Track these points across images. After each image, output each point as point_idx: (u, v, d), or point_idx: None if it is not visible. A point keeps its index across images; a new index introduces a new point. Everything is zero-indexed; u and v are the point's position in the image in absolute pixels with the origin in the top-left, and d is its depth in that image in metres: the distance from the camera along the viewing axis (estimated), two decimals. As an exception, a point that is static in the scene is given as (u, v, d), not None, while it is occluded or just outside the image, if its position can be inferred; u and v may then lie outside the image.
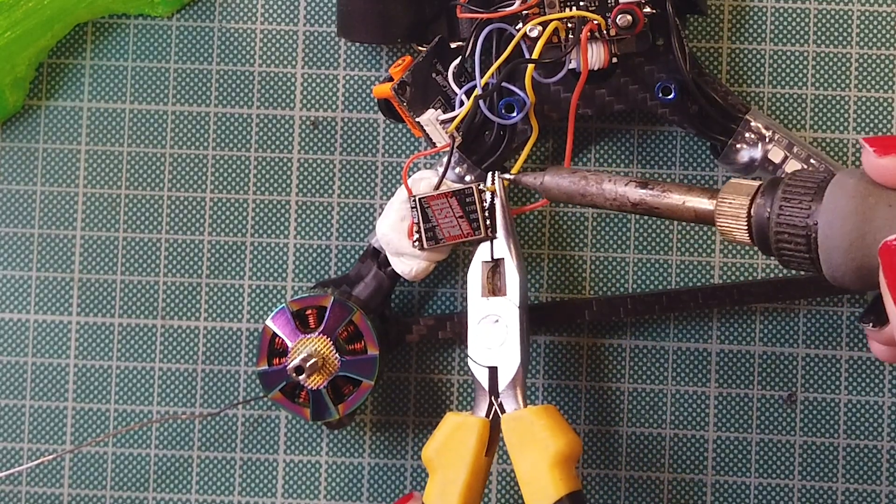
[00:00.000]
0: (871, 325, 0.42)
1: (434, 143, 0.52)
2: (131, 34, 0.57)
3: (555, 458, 0.47)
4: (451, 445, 0.49)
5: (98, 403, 0.57)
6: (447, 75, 0.52)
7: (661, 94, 0.52)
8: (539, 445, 0.47)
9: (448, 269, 0.57)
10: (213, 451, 0.57)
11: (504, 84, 0.52)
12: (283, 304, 0.52)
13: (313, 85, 0.57)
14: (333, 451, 0.57)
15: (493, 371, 0.50)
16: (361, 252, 0.56)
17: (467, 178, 0.53)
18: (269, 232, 0.57)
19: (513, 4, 0.51)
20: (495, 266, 0.50)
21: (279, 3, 0.57)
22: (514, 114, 0.52)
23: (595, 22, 0.50)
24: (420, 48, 0.53)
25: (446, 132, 0.52)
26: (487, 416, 0.49)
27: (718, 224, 0.43)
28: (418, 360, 0.57)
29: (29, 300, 0.57)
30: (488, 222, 0.50)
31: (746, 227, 0.42)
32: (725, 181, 0.47)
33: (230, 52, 0.57)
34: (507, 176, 0.50)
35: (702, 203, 0.44)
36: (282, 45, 0.57)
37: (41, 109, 0.57)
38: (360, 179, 0.57)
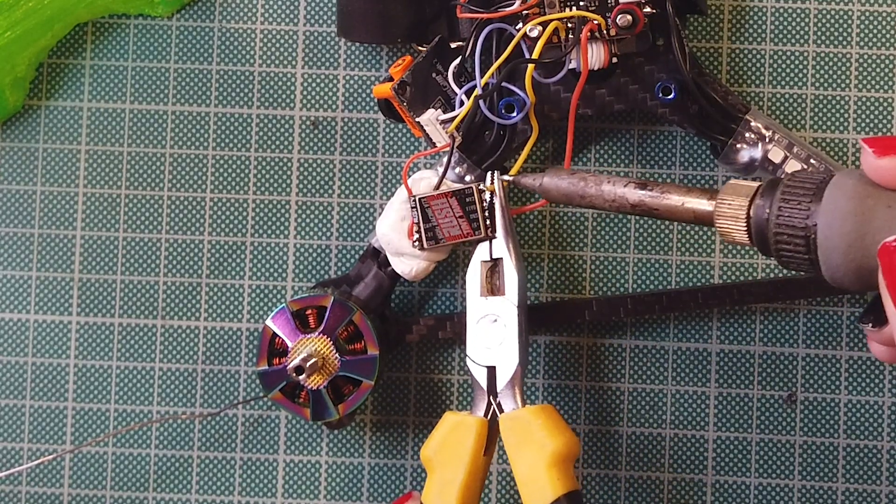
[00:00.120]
0: (870, 325, 0.42)
1: (434, 143, 0.52)
2: (131, 34, 0.57)
3: (552, 458, 0.47)
4: (450, 445, 0.49)
5: (98, 403, 0.57)
6: (447, 75, 0.52)
7: (661, 94, 0.52)
8: (536, 445, 0.47)
9: (448, 269, 0.57)
10: (213, 451, 0.57)
11: (504, 84, 0.52)
12: (283, 304, 0.52)
13: (313, 85, 0.57)
14: (333, 451, 0.57)
15: (491, 370, 0.50)
16: (361, 252, 0.56)
17: (467, 178, 0.53)
18: (269, 232, 0.57)
19: (513, 4, 0.51)
20: (494, 266, 0.50)
21: (279, 3, 0.57)
22: (514, 114, 0.52)
23: (595, 22, 0.50)
24: (420, 48, 0.53)
25: (446, 132, 0.52)
26: (486, 415, 0.49)
27: (717, 225, 0.43)
28: (418, 360, 0.57)
29: (29, 300, 0.57)
30: (488, 222, 0.50)
31: (745, 229, 0.42)
32: (725, 181, 0.47)
33: (230, 52, 0.57)
34: (506, 177, 0.50)
35: (701, 204, 0.43)
36: (282, 45, 0.57)
37: (41, 109, 0.57)
38: (360, 179, 0.57)
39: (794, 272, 0.52)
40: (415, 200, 0.51)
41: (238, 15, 0.57)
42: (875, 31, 0.56)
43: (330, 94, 0.57)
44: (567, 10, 0.51)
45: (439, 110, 0.52)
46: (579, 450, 0.49)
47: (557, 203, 0.51)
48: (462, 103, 0.52)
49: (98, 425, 0.57)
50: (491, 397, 0.49)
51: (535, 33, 0.51)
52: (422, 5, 0.53)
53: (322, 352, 0.51)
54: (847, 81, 0.56)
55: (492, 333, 0.50)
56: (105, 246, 0.57)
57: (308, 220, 0.57)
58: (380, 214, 0.55)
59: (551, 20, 0.51)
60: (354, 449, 0.57)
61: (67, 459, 0.57)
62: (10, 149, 0.57)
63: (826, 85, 0.56)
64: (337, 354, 0.51)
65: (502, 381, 0.49)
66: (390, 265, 0.53)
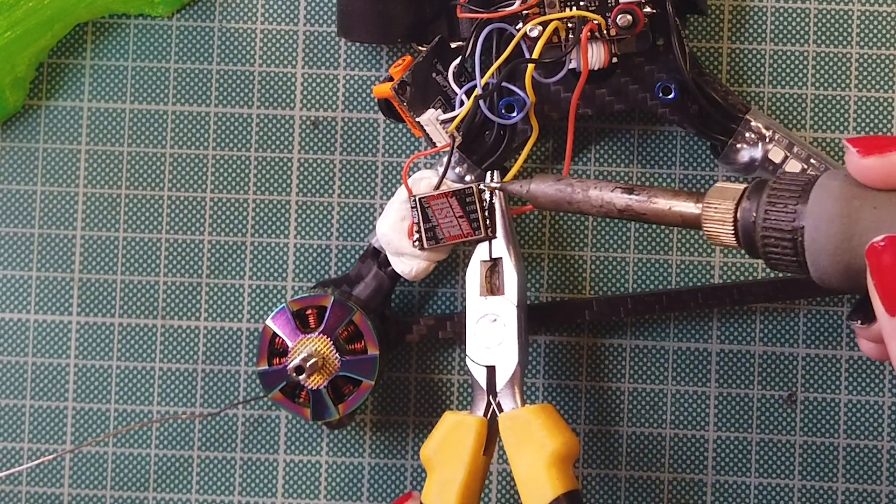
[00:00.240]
0: (859, 322, 0.41)
1: (434, 143, 0.52)
2: (131, 34, 0.57)
3: (552, 458, 0.47)
4: (449, 445, 0.49)
5: (98, 403, 0.57)
6: (447, 75, 0.52)
7: (661, 94, 0.52)
8: (536, 445, 0.47)
9: (448, 269, 0.57)
10: (213, 451, 0.57)
11: (504, 84, 0.52)
12: (284, 304, 0.52)
13: (313, 85, 0.57)
14: (333, 451, 0.57)
15: (490, 370, 0.50)
16: (361, 252, 0.56)
17: (467, 178, 0.53)
18: (270, 232, 0.57)
19: (513, 4, 0.51)
20: (494, 265, 0.51)
21: (279, 3, 0.57)
22: (515, 114, 0.52)
23: (595, 22, 0.50)
24: (420, 48, 0.53)
25: (446, 132, 0.52)
26: (485, 415, 0.49)
27: (705, 229, 0.42)
28: (418, 360, 0.57)
29: (29, 300, 0.57)
30: (488, 222, 0.50)
31: (733, 232, 0.42)
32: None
33: (230, 52, 0.57)
34: (493, 184, 0.50)
35: (688, 208, 0.43)
36: (282, 45, 0.57)
37: (41, 109, 0.57)
38: (360, 179, 0.57)
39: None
40: (415, 200, 0.51)
41: (238, 15, 0.57)
42: (875, 31, 0.56)
43: (330, 94, 0.57)
44: (567, 10, 0.51)
45: (439, 110, 0.52)
46: (579, 449, 0.49)
47: (546, 210, 0.51)
48: (462, 103, 0.52)
49: (98, 425, 0.57)
50: (490, 397, 0.49)
51: (535, 33, 0.51)
52: (422, 5, 0.53)
53: (322, 352, 0.51)
54: (847, 81, 0.56)
55: (491, 333, 0.50)
56: (105, 246, 0.57)
57: (308, 220, 0.57)
58: (380, 214, 0.55)
59: (551, 20, 0.51)
60: (354, 449, 0.57)
61: (67, 459, 0.57)
62: (10, 149, 0.57)
63: (826, 85, 0.56)
64: (337, 354, 0.51)
65: (502, 380, 0.49)
66: (390, 265, 0.53)
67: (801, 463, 0.56)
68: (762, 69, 0.56)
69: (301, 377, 0.51)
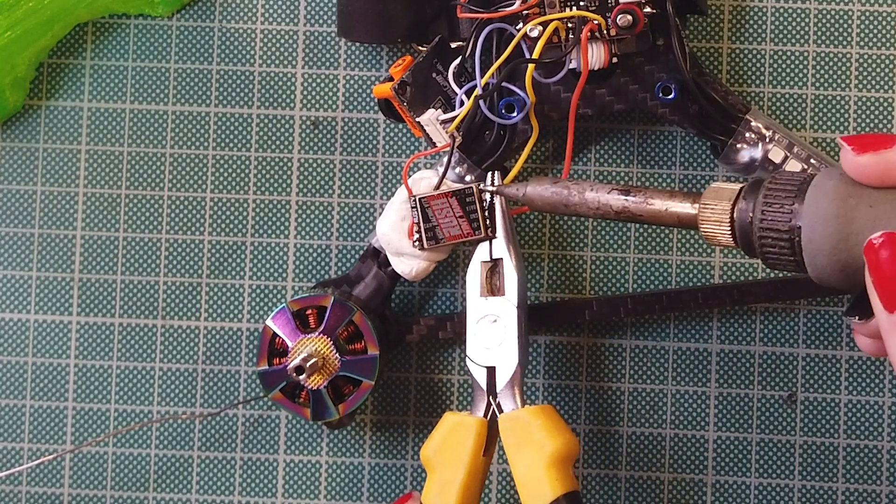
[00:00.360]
0: (856, 318, 0.41)
1: (434, 143, 0.52)
2: (131, 34, 0.57)
3: (551, 458, 0.47)
4: (449, 445, 0.49)
5: (98, 403, 0.57)
6: (447, 75, 0.52)
7: (661, 94, 0.52)
8: (536, 445, 0.47)
9: (448, 269, 0.57)
10: (213, 451, 0.57)
11: (504, 84, 0.52)
12: (284, 304, 0.52)
13: (313, 85, 0.57)
14: (333, 451, 0.57)
15: (491, 371, 0.50)
16: (361, 252, 0.56)
17: (467, 178, 0.53)
18: (270, 232, 0.57)
19: (513, 4, 0.51)
20: (494, 266, 0.50)
21: (279, 3, 0.57)
22: (515, 114, 0.52)
23: (595, 22, 0.50)
24: (420, 48, 0.53)
25: (446, 132, 0.52)
26: (485, 415, 0.49)
27: (702, 229, 0.42)
28: (418, 360, 0.57)
29: (29, 300, 0.57)
30: (488, 222, 0.50)
31: (730, 232, 0.42)
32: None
33: (230, 52, 0.57)
34: (489, 188, 0.50)
35: (684, 208, 0.43)
36: (282, 45, 0.57)
37: (41, 109, 0.57)
38: (360, 179, 0.57)
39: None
40: (415, 200, 0.51)
41: (238, 15, 0.57)
42: (875, 31, 0.56)
43: (330, 94, 0.57)
44: (567, 10, 0.51)
45: (439, 110, 0.52)
46: (579, 450, 0.49)
47: (542, 212, 0.51)
48: (462, 103, 0.52)
49: (98, 425, 0.57)
50: (491, 397, 0.49)
51: (535, 33, 0.51)
52: (422, 5, 0.53)
53: (322, 352, 0.51)
54: (847, 81, 0.56)
55: (491, 334, 0.50)
56: (105, 246, 0.57)
57: (308, 220, 0.57)
58: (380, 214, 0.55)
59: (551, 20, 0.51)
60: (354, 449, 0.57)
61: (67, 459, 0.57)
62: (10, 149, 0.57)
63: (826, 85, 0.56)
64: (337, 354, 0.51)
65: (502, 381, 0.49)
66: (390, 265, 0.53)
67: (801, 463, 0.56)
68: (762, 69, 0.56)
69: (301, 377, 0.51)
